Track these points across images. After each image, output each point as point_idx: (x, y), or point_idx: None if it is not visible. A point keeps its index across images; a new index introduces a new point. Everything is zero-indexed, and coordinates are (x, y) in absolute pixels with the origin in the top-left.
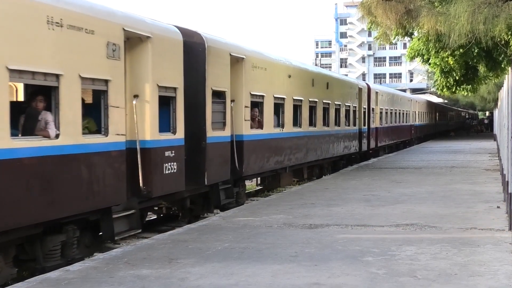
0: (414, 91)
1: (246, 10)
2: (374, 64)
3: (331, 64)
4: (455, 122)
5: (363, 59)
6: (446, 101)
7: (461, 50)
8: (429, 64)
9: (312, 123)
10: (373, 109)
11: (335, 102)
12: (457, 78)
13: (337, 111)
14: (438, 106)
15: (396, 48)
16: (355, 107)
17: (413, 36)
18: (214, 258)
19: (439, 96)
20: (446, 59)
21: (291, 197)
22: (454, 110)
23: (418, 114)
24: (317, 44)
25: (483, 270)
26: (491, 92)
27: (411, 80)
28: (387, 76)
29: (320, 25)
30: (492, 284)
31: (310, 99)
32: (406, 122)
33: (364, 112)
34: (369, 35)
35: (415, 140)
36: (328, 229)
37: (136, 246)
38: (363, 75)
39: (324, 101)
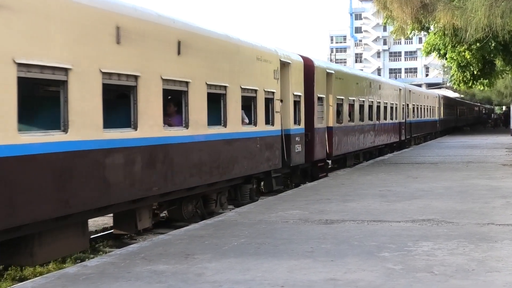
0: (430, 86)
1: (261, 6)
2: (389, 59)
3: (346, 59)
4: (466, 118)
5: (378, 54)
6: (462, 95)
7: (478, 44)
8: (446, 58)
9: (153, 121)
10: (320, 98)
11: (213, 83)
12: (474, 72)
13: (220, 98)
14: (444, 98)
15: (412, 43)
16: (272, 93)
17: (429, 31)
18: (230, 253)
19: (455, 90)
20: (463, 53)
21: (306, 193)
22: (465, 104)
23: (413, 108)
24: (332, 39)
25: (501, 266)
26: (508, 87)
27: (426, 75)
28: (403, 71)
29: (335, 20)
30: (510, 280)
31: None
32: (392, 119)
33: (297, 102)
34: (384, 29)
35: (408, 142)
36: (344, 224)
37: (152, 241)
38: (378, 70)
39: (176, 78)
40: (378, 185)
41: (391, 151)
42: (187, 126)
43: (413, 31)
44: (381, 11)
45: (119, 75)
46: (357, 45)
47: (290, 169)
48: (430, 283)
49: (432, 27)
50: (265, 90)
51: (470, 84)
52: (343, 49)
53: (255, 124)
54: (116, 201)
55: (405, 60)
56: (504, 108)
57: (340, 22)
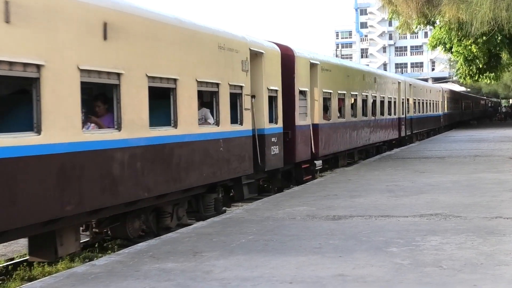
0: (436, 80)
1: (266, 3)
2: (395, 53)
3: (351, 54)
4: (472, 112)
5: (384, 49)
6: (469, 89)
7: (483, 37)
8: (452, 52)
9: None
10: (302, 92)
11: (157, 75)
12: (480, 66)
13: (169, 94)
14: (449, 92)
15: (417, 37)
16: (240, 87)
17: (435, 25)
18: (238, 250)
19: (461, 84)
20: (469, 47)
21: (314, 189)
22: (471, 97)
23: (414, 102)
24: (337, 35)
25: (510, 259)
26: None
27: (433, 69)
28: (409, 65)
29: (340, 16)
30: None
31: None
32: (390, 114)
33: (273, 97)
34: (390, 24)
35: (410, 139)
36: (352, 220)
37: (160, 239)
38: (384, 65)
39: (102, 69)
40: (385, 180)
41: (390, 149)
42: (119, 128)
43: (418, 26)
44: (386, 6)
45: (10, 63)
46: (363, 40)
47: (268, 174)
48: (438, 277)
49: (437, 21)
50: (230, 84)
51: (476, 78)
52: (349, 45)
53: (218, 124)
54: (13, 225)
55: (411, 55)
56: (510, 101)
57: (345, 18)
